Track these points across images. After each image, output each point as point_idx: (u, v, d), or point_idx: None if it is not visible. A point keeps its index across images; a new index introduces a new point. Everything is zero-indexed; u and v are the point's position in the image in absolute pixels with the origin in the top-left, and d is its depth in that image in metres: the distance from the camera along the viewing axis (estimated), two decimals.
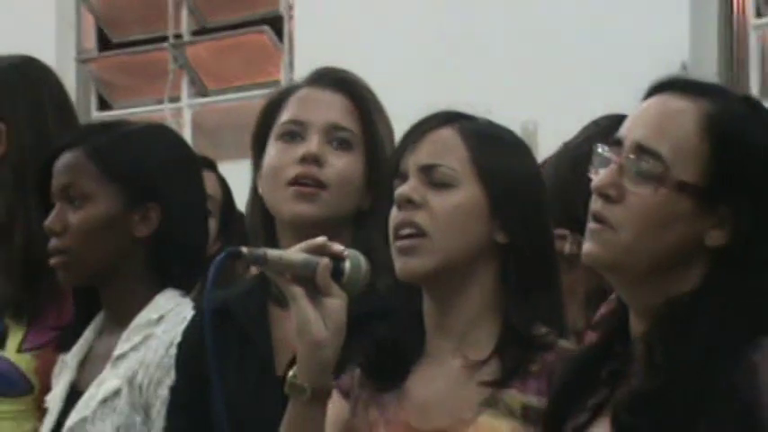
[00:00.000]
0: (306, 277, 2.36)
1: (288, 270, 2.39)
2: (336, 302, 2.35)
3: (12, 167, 3.29)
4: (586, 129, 3.16)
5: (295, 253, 2.41)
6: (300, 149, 2.73)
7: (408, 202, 2.44)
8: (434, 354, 2.50)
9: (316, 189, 2.72)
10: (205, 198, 3.26)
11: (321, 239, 2.41)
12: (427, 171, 2.46)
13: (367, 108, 2.81)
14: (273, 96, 2.89)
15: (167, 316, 2.95)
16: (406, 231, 2.42)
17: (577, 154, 2.98)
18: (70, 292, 3.11)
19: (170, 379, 2.86)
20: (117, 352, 2.96)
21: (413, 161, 2.47)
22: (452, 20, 6.27)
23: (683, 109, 2.09)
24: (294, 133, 2.77)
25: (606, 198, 2.07)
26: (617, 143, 2.11)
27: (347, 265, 2.38)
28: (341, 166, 2.74)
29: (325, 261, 2.36)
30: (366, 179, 2.75)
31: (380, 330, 2.53)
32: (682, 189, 2.04)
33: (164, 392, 2.87)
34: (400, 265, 2.44)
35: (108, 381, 2.94)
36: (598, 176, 2.11)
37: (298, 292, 2.35)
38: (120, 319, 3.01)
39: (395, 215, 2.45)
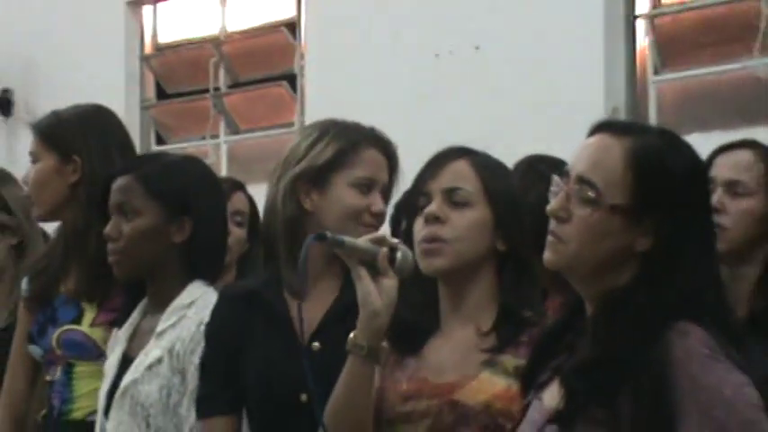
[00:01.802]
0: (368, 261, 2.56)
1: (356, 254, 2.58)
2: (390, 282, 2.56)
3: (85, 190, 3.43)
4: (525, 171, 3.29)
5: (363, 241, 2.60)
6: (370, 200, 2.93)
7: (435, 219, 2.63)
8: (447, 329, 2.67)
9: (376, 230, 2.92)
10: (225, 212, 3.39)
11: (382, 234, 2.66)
12: (449, 193, 2.66)
13: (394, 167, 3.03)
14: (343, 145, 2.96)
15: (197, 301, 3.11)
16: (434, 243, 2.62)
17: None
18: (122, 283, 3.26)
19: (200, 349, 3.01)
20: (159, 329, 3.11)
21: (437, 185, 2.67)
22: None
23: (612, 145, 2.23)
24: (367, 186, 2.94)
25: (558, 218, 2.23)
26: (566, 174, 2.25)
27: (399, 255, 2.58)
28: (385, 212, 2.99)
29: (384, 250, 2.57)
30: None
31: (404, 312, 2.67)
32: (613, 210, 2.19)
33: (195, 359, 3.02)
34: (425, 264, 2.64)
35: (152, 351, 3.09)
36: (552, 201, 2.26)
37: (362, 271, 2.56)
38: (160, 304, 3.16)
39: (421, 227, 2.65)
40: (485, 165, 2.71)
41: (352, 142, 2.97)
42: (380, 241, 2.60)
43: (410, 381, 2.63)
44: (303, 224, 2.92)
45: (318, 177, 2.94)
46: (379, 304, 2.54)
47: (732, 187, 2.90)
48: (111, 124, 3.62)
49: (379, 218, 2.94)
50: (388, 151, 3.01)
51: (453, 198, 2.65)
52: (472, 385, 2.56)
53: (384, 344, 2.59)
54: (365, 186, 2.94)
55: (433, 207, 2.64)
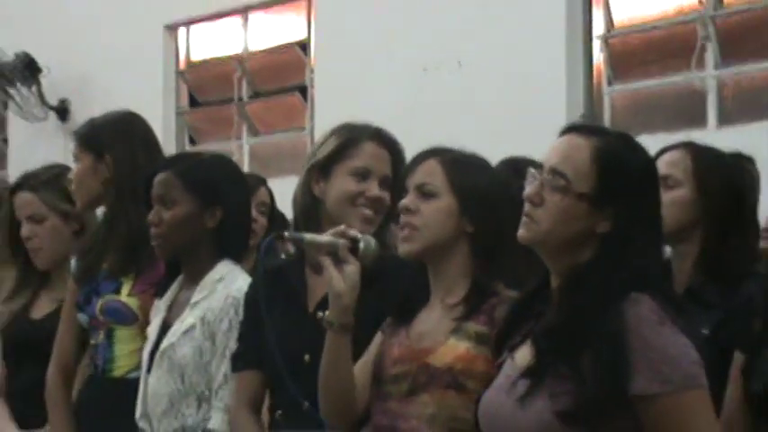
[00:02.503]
0: (333, 252, 2.53)
1: (318, 247, 2.57)
2: (351, 268, 2.52)
3: (115, 185, 3.39)
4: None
5: (324, 236, 2.59)
6: (366, 186, 2.85)
7: (407, 210, 2.59)
8: (432, 302, 2.63)
9: (376, 215, 2.87)
10: (250, 202, 3.36)
11: (342, 228, 2.59)
12: (420, 187, 2.60)
13: (399, 163, 2.93)
14: (343, 140, 2.93)
15: (225, 277, 3.09)
16: (406, 229, 2.59)
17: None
18: (163, 261, 3.24)
19: (227, 318, 3.01)
20: (193, 300, 3.09)
21: (411, 181, 2.63)
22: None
23: (581, 144, 2.24)
24: (363, 175, 2.87)
25: (532, 202, 2.23)
26: (540, 167, 2.25)
27: (361, 244, 2.55)
28: (388, 201, 2.87)
29: (343, 242, 2.54)
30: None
31: (404, 287, 2.68)
32: (580, 197, 2.19)
33: (224, 326, 3.01)
34: (401, 249, 2.61)
35: (187, 319, 3.07)
36: (528, 188, 2.26)
37: (326, 261, 2.53)
38: (194, 279, 3.13)
39: (402, 218, 2.61)
40: (452, 161, 2.65)
41: (353, 137, 2.93)
42: (342, 234, 2.57)
43: (399, 347, 2.60)
44: (317, 210, 2.89)
45: (324, 168, 2.90)
46: (341, 287, 2.51)
47: (664, 181, 2.88)
48: (138, 128, 3.56)
49: (375, 202, 2.87)
50: (389, 146, 2.95)
51: (423, 191, 2.61)
52: (441, 350, 2.53)
53: (352, 319, 2.56)
54: (361, 175, 2.87)
55: (405, 200, 2.62)
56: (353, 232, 2.59)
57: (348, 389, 2.59)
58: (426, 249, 2.60)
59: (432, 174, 2.62)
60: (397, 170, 2.91)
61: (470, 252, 2.62)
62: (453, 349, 2.52)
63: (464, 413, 2.45)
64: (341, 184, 2.88)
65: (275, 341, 2.68)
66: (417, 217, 2.59)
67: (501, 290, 2.58)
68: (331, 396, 2.60)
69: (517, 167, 3.13)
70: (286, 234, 2.69)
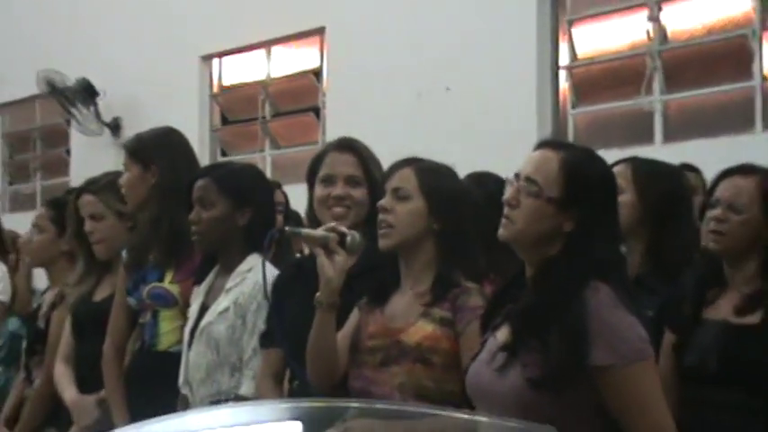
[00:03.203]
0: (324, 244, 2.52)
1: (313, 240, 2.57)
2: (339, 258, 2.51)
3: (159, 190, 3.37)
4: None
5: (318, 231, 2.57)
6: (331, 190, 2.85)
7: (384, 210, 2.59)
8: (403, 288, 2.62)
9: (346, 210, 2.84)
10: (274, 204, 3.36)
11: (333, 224, 2.59)
12: (395, 191, 2.60)
13: (367, 162, 2.91)
14: (315, 157, 2.97)
15: (254, 268, 3.03)
16: (383, 227, 2.59)
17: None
18: (201, 254, 3.23)
19: (255, 301, 2.99)
20: (227, 286, 3.07)
21: (389, 186, 2.62)
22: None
23: (551, 157, 2.23)
24: (328, 181, 2.88)
25: (510, 205, 2.22)
26: (517, 175, 2.25)
27: (348, 238, 2.53)
28: (358, 196, 2.87)
29: (333, 235, 2.52)
30: (371, 205, 2.79)
31: (376, 274, 2.67)
32: (549, 201, 2.18)
33: (252, 307, 2.99)
34: (380, 243, 2.59)
35: (222, 302, 3.06)
36: (507, 193, 2.25)
37: (319, 251, 2.52)
38: (228, 269, 3.11)
39: (379, 216, 2.60)
40: (424, 169, 2.64)
41: (321, 152, 2.97)
42: (332, 229, 2.56)
43: (374, 324, 2.60)
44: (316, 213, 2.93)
45: (310, 181, 2.95)
46: (331, 273, 2.50)
47: None
48: (178, 142, 3.56)
49: (341, 199, 2.86)
50: (352, 150, 2.93)
51: (398, 194, 2.60)
52: (411, 330, 2.53)
53: (338, 300, 2.56)
54: (327, 181, 2.87)
55: (383, 201, 2.61)
56: (342, 228, 2.57)
57: (332, 356, 2.59)
58: (400, 244, 2.59)
59: (406, 179, 2.61)
60: (367, 165, 2.89)
61: (436, 248, 2.60)
62: (422, 330, 2.52)
63: (429, 383, 2.48)
64: (316, 191, 2.90)
65: (291, 322, 2.69)
66: (392, 216, 2.58)
67: (462, 281, 2.57)
68: (318, 362, 2.59)
69: (480, 180, 3.19)
70: (287, 229, 2.69)
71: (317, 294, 2.55)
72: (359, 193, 2.86)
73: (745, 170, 2.85)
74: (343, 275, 2.52)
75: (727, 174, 2.87)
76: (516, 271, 2.32)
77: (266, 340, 2.93)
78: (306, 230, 2.64)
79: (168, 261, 3.34)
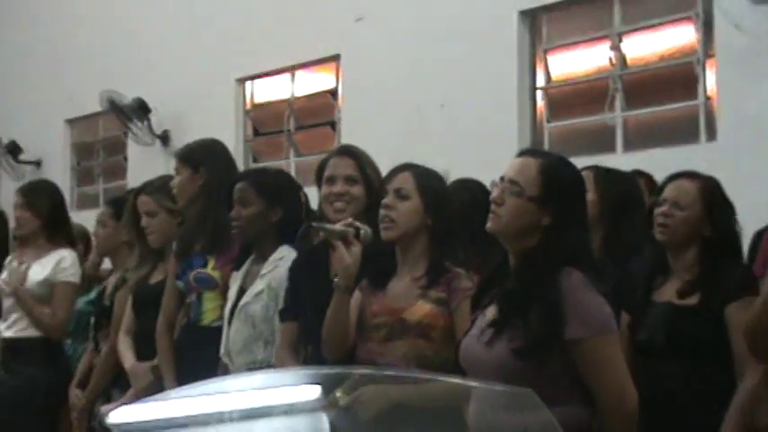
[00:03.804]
0: (343, 237, 2.52)
1: (334, 234, 2.56)
2: (355, 248, 2.52)
3: (205, 190, 3.39)
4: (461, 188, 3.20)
5: (337, 226, 2.58)
6: (332, 188, 2.86)
7: (387, 207, 2.59)
8: (401, 274, 2.62)
9: (346, 204, 2.84)
10: (301, 203, 3.31)
11: (350, 220, 2.59)
12: (397, 191, 2.60)
13: (363, 164, 2.91)
14: (320, 163, 2.98)
15: (284, 257, 3.07)
16: (386, 221, 2.59)
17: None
18: (239, 245, 3.23)
19: (285, 285, 2.98)
20: (262, 272, 3.08)
21: (390, 186, 2.62)
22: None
23: (531, 162, 2.24)
24: (330, 181, 2.89)
25: (496, 203, 2.22)
26: (502, 178, 2.24)
27: (362, 232, 2.54)
28: (356, 192, 2.86)
29: (350, 230, 2.53)
30: (367, 200, 2.83)
31: (376, 261, 2.65)
32: (529, 200, 2.18)
33: (283, 291, 2.99)
34: (383, 234, 2.59)
35: (258, 285, 3.07)
36: (493, 193, 2.25)
37: (338, 243, 2.53)
38: (262, 258, 3.13)
39: (382, 212, 2.59)
40: (420, 173, 2.62)
41: (325, 158, 2.97)
42: (350, 225, 2.55)
43: (378, 305, 2.58)
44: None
45: (319, 183, 2.93)
46: (349, 261, 2.50)
47: None
48: (220, 150, 3.57)
49: (340, 195, 2.84)
50: (350, 154, 2.92)
51: (399, 194, 2.59)
52: (412, 309, 2.51)
53: (353, 284, 2.54)
54: (329, 180, 2.87)
55: (386, 200, 2.60)
56: (357, 224, 2.56)
57: (345, 332, 2.57)
58: (400, 236, 2.58)
59: (406, 181, 2.61)
60: (363, 167, 2.87)
61: (429, 240, 2.59)
62: (421, 309, 2.51)
63: (429, 353, 2.46)
64: (321, 190, 2.90)
65: (308, 299, 2.70)
66: (394, 212, 2.57)
67: (451, 268, 2.56)
68: (334, 336, 2.57)
69: (465, 184, 3.24)
70: (314, 224, 2.71)
71: (336, 279, 2.53)
72: (356, 190, 2.85)
73: (689, 175, 2.87)
74: (359, 263, 2.51)
75: (673, 177, 2.89)
76: (500, 259, 2.31)
77: (285, 315, 2.91)
78: (329, 225, 2.63)
79: (211, 250, 3.33)
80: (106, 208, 4.25)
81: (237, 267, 3.20)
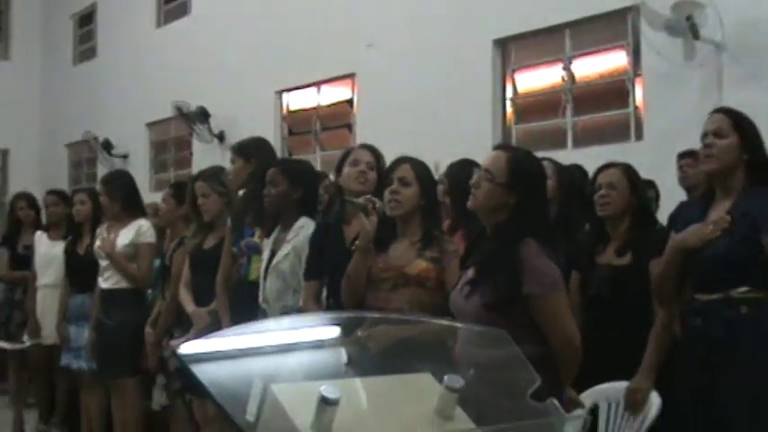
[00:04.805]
0: (364, 209, 2.48)
1: (357, 206, 2.51)
2: (374, 218, 2.47)
3: (254, 176, 3.29)
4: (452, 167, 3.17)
5: (359, 200, 2.52)
6: (357, 169, 2.77)
7: (393, 191, 2.51)
8: (401, 240, 2.54)
9: (365, 181, 2.78)
10: (318, 185, 3.27)
11: (369, 196, 2.52)
12: (401, 179, 2.52)
13: (377, 156, 2.84)
14: (346, 151, 2.91)
15: (305, 226, 2.99)
16: (393, 202, 2.51)
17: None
18: (270, 217, 3.13)
19: (307, 248, 2.90)
20: (288, 238, 3.01)
21: (395, 175, 2.54)
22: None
23: (501, 155, 2.16)
24: (354, 163, 2.81)
25: (474, 187, 2.16)
26: (480, 167, 2.20)
27: (378, 205, 2.48)
28: (371, 176, 2.80)
29: (369, 204, 2.48)
30: (378, 182, 2.75)
31: (381, 229, 2.55)
32: (499, 185, 2.11)
33: (305, 252, 2.90)
34: (390, 212, 2.51)
35: (285, 248, 3.00)
36: (473, 179, 2.18)
37: (360, 213, 2.49)
38: (287, 227, 3.04)
39: (388, 194, 2.52)
40: (417, 164, 2.55)
41: (348, 149, 2.93)
42: (368, 200, 2.50)
43: (383, 263, 2.51)
44: (337, 188, 2.88)
45: (339, 168, 2.87)
46: (368, 228, 2.45)
47: None
48: (266, 145, 3.51)
49: (362, 174, 2.79)
50: (369, 149, 2.88)
51: (403, 181, 2.53)
52: (411, 265, 2.43)
53: (372, 246, 2.50)
54: (354, 164, 2.81)
55: (393, 186, 2.53)
56: (374, 199, 2.51)
57: (361, 284, 2.51)
58: (402, 213, 2.52)
59: (407, 171, 2.54)
60: (377, 158, 2.83)
61: (422, 214, 2.54)
62: (419, 265, 2.46)
63: (425, 300, 2.42)
64: (345, 171, 2.82)
65: (330, 260, 2.63)
66: (400, 196, 2.51)
67: (440, 235, 2.53)
68: (353, 288, 2.51)
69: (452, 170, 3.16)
70: (346, 198, 2.65)
71: (357, 241, 2.49)
72: (372, 174, 2.81)
73: (612, 164, 2.89)
74: (375, 229, 2.47)
75: (601, 169, 2.90)
76: (479, 231, 2.27)
77: (308, 274, 2.86)
78: (356, 200, 2.58)
79: (257, 223, 3.27)
80: (168, 190, 4.17)
81: (268, 235, 3.14)
